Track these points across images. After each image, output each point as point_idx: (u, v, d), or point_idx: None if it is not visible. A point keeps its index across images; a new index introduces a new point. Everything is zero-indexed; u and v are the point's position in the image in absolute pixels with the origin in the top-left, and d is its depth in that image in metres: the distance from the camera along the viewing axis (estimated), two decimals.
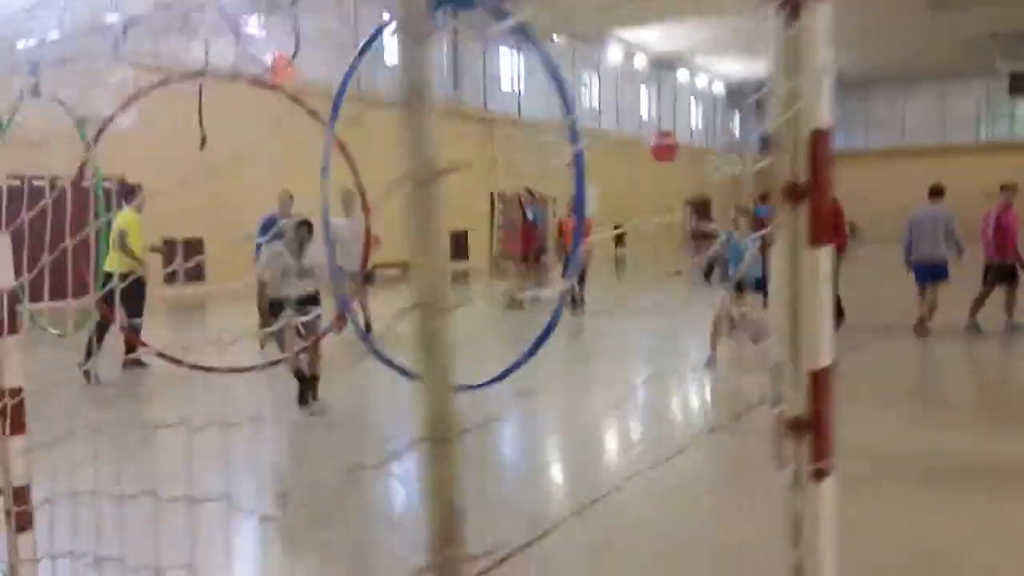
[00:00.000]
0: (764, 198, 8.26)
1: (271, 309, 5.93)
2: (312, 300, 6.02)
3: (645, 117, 30.02)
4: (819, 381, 1.64)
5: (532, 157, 22.94)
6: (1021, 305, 9.14)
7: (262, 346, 7.57)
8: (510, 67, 22.87)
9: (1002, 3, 20.64)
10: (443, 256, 1.07)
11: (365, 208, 7.16)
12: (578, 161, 2.60)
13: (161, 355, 5.56)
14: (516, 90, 23.05)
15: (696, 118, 34.36)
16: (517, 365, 3.89)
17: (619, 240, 27.27)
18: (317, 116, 5.60)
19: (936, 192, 9.31)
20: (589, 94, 26.18)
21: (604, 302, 12.81)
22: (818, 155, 1.60)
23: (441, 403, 1.07)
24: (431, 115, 1.09)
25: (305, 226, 5.97)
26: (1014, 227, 9.03)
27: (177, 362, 5.67)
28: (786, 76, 1.55)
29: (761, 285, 7.47)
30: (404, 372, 4.97)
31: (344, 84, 4.24)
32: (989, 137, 32.87)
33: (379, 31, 4.90)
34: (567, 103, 2.70)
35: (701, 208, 30.56)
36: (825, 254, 1.66)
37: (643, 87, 29.70)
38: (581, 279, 12.28)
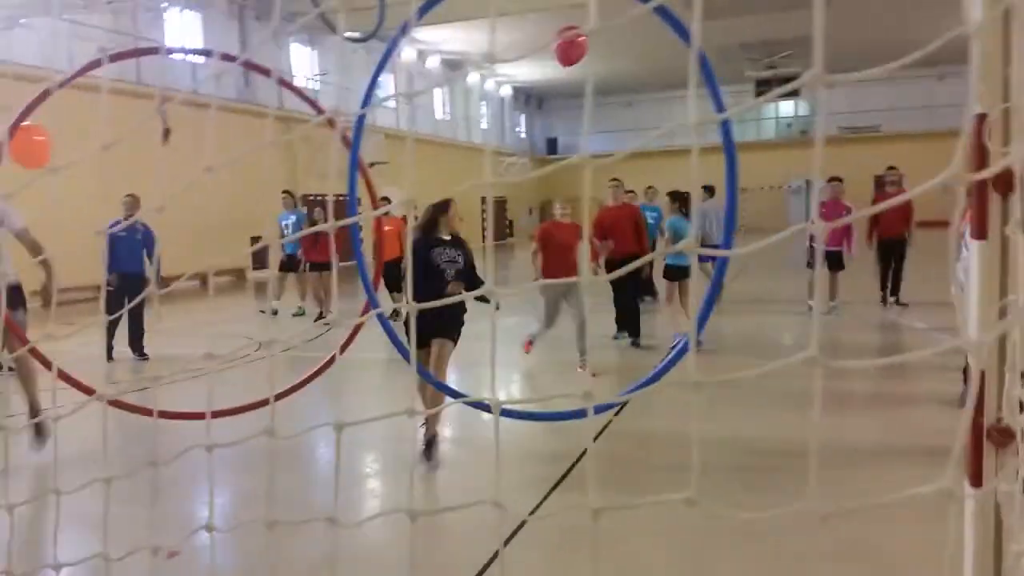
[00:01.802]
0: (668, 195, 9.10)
1: None
2: None
3: (439, 117, 30.17)
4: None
5: (333, 157, 22.12)
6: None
7: None
8: (303, 62, 21.89)
9: (746, 13, 23.24)
10: None
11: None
12: (729, 155, 2.44)
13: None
14: (313, 86, 22.10)
15: (486, 119, 35.18)
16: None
17: None
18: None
19: (708, 189, 11.30)
20: (384, 93, 25.72)
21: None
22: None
23: None
24: None
25: None
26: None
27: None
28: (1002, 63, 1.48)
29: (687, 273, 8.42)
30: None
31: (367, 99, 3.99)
32: (738, 139, 36.92)
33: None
34: (710, 78, 2.50)
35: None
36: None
37: (436, 88, 29.81)
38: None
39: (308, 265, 11.81)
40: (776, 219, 30.16)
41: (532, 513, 3.93)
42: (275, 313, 11.56)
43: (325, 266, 11.43)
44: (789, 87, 1.11)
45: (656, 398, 6.07)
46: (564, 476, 4.53)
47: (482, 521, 3.54)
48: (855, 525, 3.56)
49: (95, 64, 3.70)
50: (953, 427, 1.04)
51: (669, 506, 1.10)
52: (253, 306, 13.85)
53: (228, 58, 5.13)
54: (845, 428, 5.22)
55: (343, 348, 4.57)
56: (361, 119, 3.76)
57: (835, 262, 9.84)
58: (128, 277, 8.07)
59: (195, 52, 5.59)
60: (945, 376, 6.05)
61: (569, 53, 6.47)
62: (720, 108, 3.08)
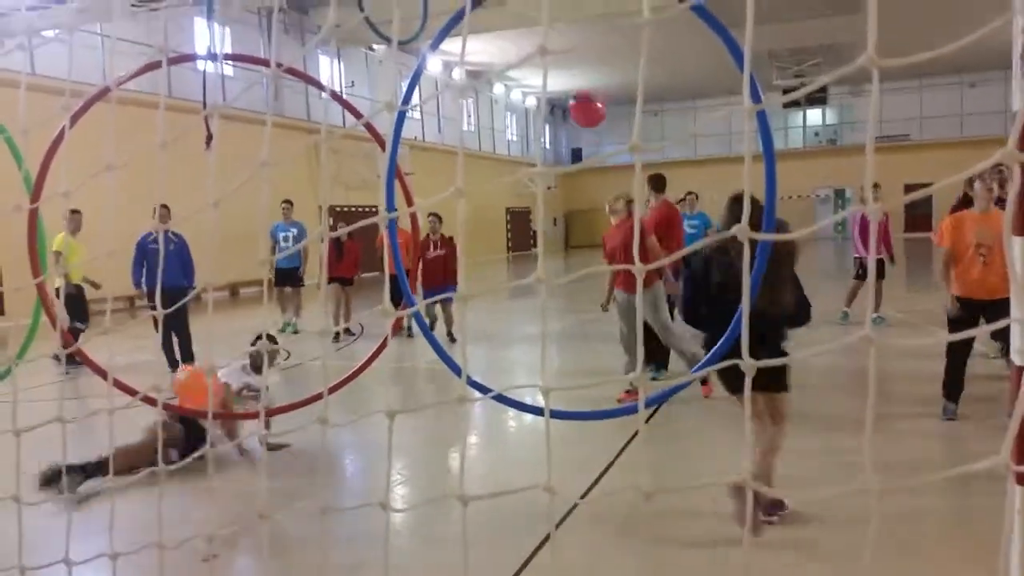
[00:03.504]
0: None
1: None
2: None
3: (465, 128, 30.36)
4: None
5: (360, 168, 22.32)
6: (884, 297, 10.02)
7: None
8: (330, 74, 22.14)
9: (774, 21, 23.05)
10: None
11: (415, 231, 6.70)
12: (768, 158, 2.45)
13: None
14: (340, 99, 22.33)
15: (511, 130, 35.30)
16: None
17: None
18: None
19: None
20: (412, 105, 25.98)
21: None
22: None
23: None
24: None
25: None
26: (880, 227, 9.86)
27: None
28: None
29: None
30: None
31: (400, 120, 4.19)
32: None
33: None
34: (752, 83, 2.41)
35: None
36: None
37: (462, 100, 30.01)
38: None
39: (331, 279, 10.83)
40: (804, 228, 29.78)
41: (583, 496, 3.91)
42: (285, 329, 11.25)
43: (348, 281, 11.01)
44: (852, 66, 1.08)
45: (674, 424, 6.04)
46: (596, 481, 4.51)
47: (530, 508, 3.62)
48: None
49: (153, 65, 3.74)
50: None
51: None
52: (280, 319, 13.88)
53: (291, 72, 5.22)
54: (880, 450, 5.12)
55: (394, 331, 4.66)
56: (401, 117, 3.87)
57: (878, 270, 9.64)
58: (166, 290, 8.05)
59: (249, 60, 5.54)
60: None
61: (589, 116, 6.59)
62: (763, 112, 3.08)
